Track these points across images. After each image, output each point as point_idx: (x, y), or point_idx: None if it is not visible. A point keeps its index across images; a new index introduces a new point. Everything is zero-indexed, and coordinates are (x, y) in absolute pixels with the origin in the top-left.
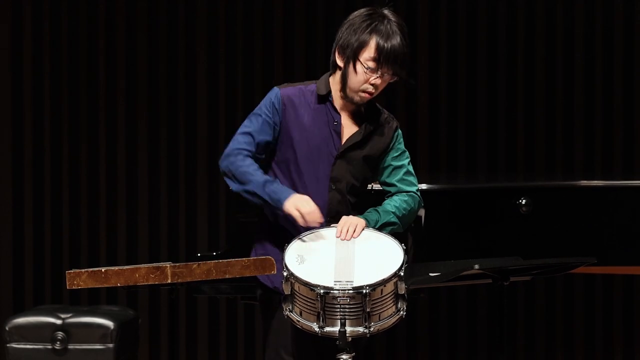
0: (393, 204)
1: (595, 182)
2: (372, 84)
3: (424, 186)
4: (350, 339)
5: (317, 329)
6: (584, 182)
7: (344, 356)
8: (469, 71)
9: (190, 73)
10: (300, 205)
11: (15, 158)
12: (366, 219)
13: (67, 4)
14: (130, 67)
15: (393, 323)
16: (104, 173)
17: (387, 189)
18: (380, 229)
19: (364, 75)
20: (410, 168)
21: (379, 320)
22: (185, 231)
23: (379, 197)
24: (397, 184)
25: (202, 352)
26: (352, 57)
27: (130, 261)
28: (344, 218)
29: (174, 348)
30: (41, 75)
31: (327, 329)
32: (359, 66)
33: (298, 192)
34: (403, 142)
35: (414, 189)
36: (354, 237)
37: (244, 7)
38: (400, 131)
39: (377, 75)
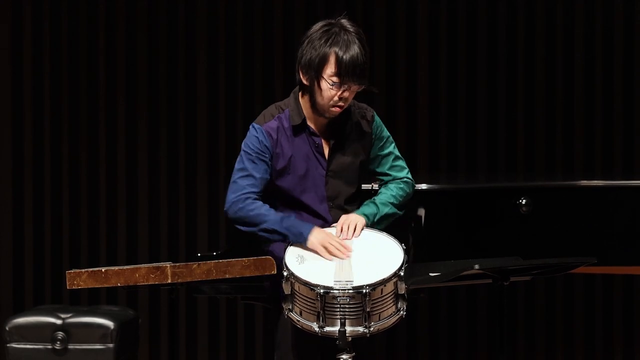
0: (390, 193)
1: (595, 182)
2: (340, 98)
3: (424, 186)
4: (350, 338)
5: (317, 329)
6: (584, 182)
7: (344, 356)
8: (469, 71)
9: (190, 73)
10: (326, 243)
11: (15, 158)
12: (365, 214)
13: (67, 4)
14: (130, 67)
15: (393, 323)
16: (104, 173)
17: (380, 177)
18: (380, 221)
19: (330, 92)
20: (396, 151)
21: (379, 320)
22: (185, 231)
23: None
24: (388, 172)
25: (202, 352)
26: (315, 75)
27: (130, 261)
28: (343, 216)
29: (174, 348)
30: (41, 75)
31: (327, 328)
32: (323, 83)
33: (309, 219)
34: (384, 128)
35: (405, 172)
36: (355, 236)
37: (244, 7)
38: (377, 118)
39: (343, 89)
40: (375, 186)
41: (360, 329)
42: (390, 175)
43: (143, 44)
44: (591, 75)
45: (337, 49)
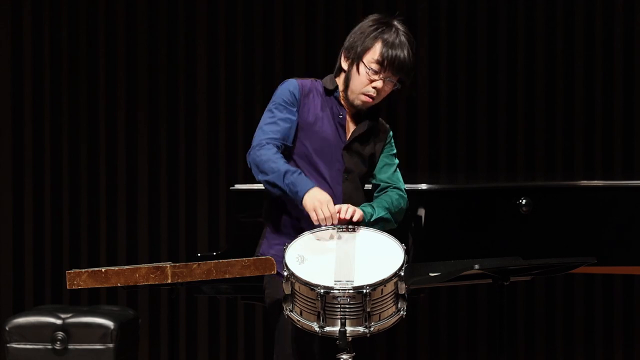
0: (388, 199)
1: (595, 182)
2: (373, 87)
3: (424, 186)
4: (350, 338)
5: (317, 329)
6: (584, 182)
7: (344, 356)
8: (469, 71)
9: (190, 73)
10: (317, 207)
11: (15, 158)
12: (363, 211)
13: (67, 4)
14: (130, 66)
15: (393, 323)
16: (104, 173)
17: (379, 183)
18: (375, 222)
19: (366, 77)
20: (398, 171)
21: (379, 320)
22: (185, 231)
23: None
24: (388, 180)
25: (202, 352)
26: (356, 58)
27: (130, 261)
28: (344, 204)
29: (174, 348)
30: (41, 75)
31: (327, 328)
32: (362, 67)
33: (317, 181)
34: (394, 145)
35: (401, 185)
36: (353, 217)
37: (244, 7)
38: (391, 134)
39: (379, 78)
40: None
41: (361, 329)
42: (388, 183)
43: (143, 44)
44: (591, 75)
45: (385, 38)
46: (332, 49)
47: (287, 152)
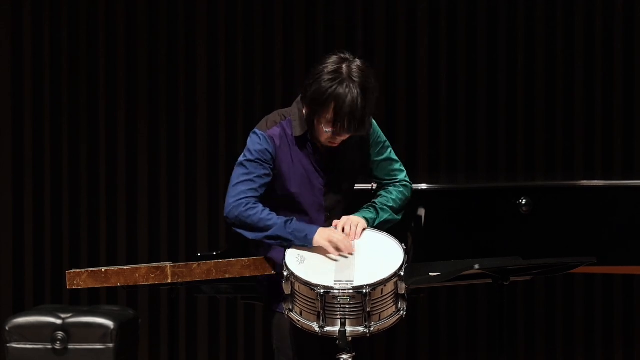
0: (390, 197)
1: (595, 182)
2: (332, 141)
3: (424, 186)
4: (350, 338)
5: (317, 329)
6: (584, 182)
7: (344, 356)
8: (469, 71)
9: (190, 73)
10: (332, 238)
11: (15, 158)
12: (365, 218)
13: (67, 4)
14: (130, 66)
15: (393, 323)
16: (104, 173)
17: (379, 182)
18: (379, 226)
19: (324, 133)
20: (394, 155)
21: (379, 320)
22: (185, 231)
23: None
24: (386, 177)
25: (202, 352)
26: (314, 114)
27: (130, 261)
28: (344, 217)
29: (174, 348)
30: (41, 75)
31: (327, 328)
32: (319, 125)
33: (305, 222)
34: (381, 134)
35: (403, 175)
36: (355, 239)
37: (244, 7)
38: (375, 124)
39: (335, 135)
40: (375, 186)
41: (361, 329)
42: (388, 179)
43: (143, 44)
44: (591, 75)
45: (337, 98)
46: (332, 49)
47: (268, 203)
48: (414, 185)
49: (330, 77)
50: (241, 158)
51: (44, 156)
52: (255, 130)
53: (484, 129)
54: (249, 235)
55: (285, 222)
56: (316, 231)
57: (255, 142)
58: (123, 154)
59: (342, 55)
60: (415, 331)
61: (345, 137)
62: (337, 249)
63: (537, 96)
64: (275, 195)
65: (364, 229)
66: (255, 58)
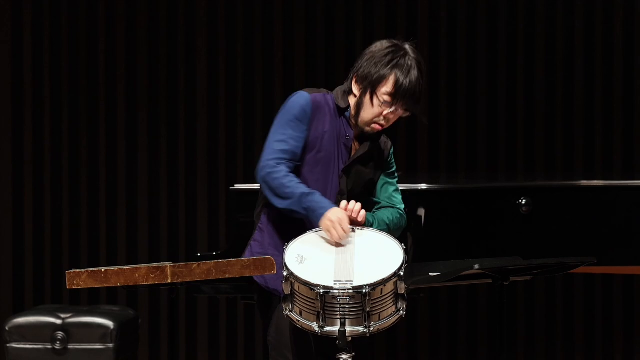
0: (388, 216)
1: (595, 182)
2: (384, 117)
3: (424, 186)
4: (350, 338)
5: (317, 329)
6: (584, 182)
7: (344, 356)
8: (469, 71)
9: (190, 73)
10: (330, 228)
11: (15, 158)
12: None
13: (67, 4)
14: (130, 67)
15: (393, 323)
16: (104, 173)
17: (379, 201)
18: None
19: (378, 108)
20: (397, 186)
21: (379, 320)
22: (185, 231)
23: None
24: (386, 200)
25: (202, 352)
26: (370, 88)
27: (130, 261)
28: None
29: (174, 348)
30: (41, 76)
31: (327, 328)
32: (375, 99)
33: None
34: (394, 162)
35: (401, 206)
36: (359, 216)
37: (244, 7)
38: (392, 151)
39: (391, 110)
40: None
41: (360, 328)
42: (388, 203)
43: (143, 44)
44: (591, 75)
45: (398, 72)
46: (332, 49)
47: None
48: (413, 186)
49: (391, 51)
50: (281, 116)
51: (44, 156)
52: (300, 91)
53: (484, 129)
54: (273, 200)
55: (301, 195)
56: (326, 211)
57: (295, 102)
58: (123, 154)
59: (390, 41)
60: (415, 331)
61: (397, 116)
62: (332, 232)
63: (537, 96)
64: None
65: (362, 228)
66: (255, 58)
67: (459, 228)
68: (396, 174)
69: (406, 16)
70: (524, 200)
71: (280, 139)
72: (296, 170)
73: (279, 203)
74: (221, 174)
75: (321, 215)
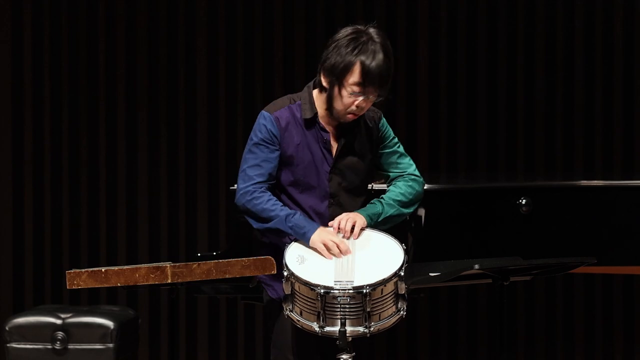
0: (398, 191)
1: (595, 182)
2: (357, 106)
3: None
4: (350, 338)
5: (317, 329)
6: (584, 182)
7: (344, 356)
8: (469, 71)
9: (190, 73)
10: (327, 241)
11: (15, 158)
12: (367, 215)
13: (67, 4)
14: (130, 67)
15: (393, 323)
16: (104, 173)
17: (387, 173)
18: (384, 222)
19: (349, 99)
20: (401, 149)
21: (379, 320)
22: (185, 231)
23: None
24: (393, 170)
25: (202, 352)
26: (337, 80)
27: (130, 261)
28: (343, 214)
29: (174, 348)
30: (41, 76)
31: (327, 328)
32: (344, 90)
33: (304, 211)
34: (390, 130)
35: (412, 169)
36: (353, 235)
37: (244, 7)
38: (384, 119)
39: (362, 98)
40: (376, 186)
41: (361, 329)
42: (396, 171)
43: (143, 44)
44: (591, 75)
45: (363, 58)
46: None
47: (272, 189)
48: None
49: (352, 43)
50: (249, 141)
51: (44, 156)
52: (262, 111)
53: (484, 129)
54: (254, 224)
55: (287, 216)
56: (315, 230)
57: (260, 124)
58: (123, 154)
59: (356, 25)
60: (415, 331)
61: (370, 102)
62: (331, 252)
63: (537, 96)
64: (280, 178)
65: (362, 229)
66: (255, 58)
67: (459, 228)
68: (395, 139)
69: (406, 16)
70: (524, 200)
71: (253, 163)
72: (285, 186)
73: (260, 225)
74: (221, 174)
75: (310, 233)
